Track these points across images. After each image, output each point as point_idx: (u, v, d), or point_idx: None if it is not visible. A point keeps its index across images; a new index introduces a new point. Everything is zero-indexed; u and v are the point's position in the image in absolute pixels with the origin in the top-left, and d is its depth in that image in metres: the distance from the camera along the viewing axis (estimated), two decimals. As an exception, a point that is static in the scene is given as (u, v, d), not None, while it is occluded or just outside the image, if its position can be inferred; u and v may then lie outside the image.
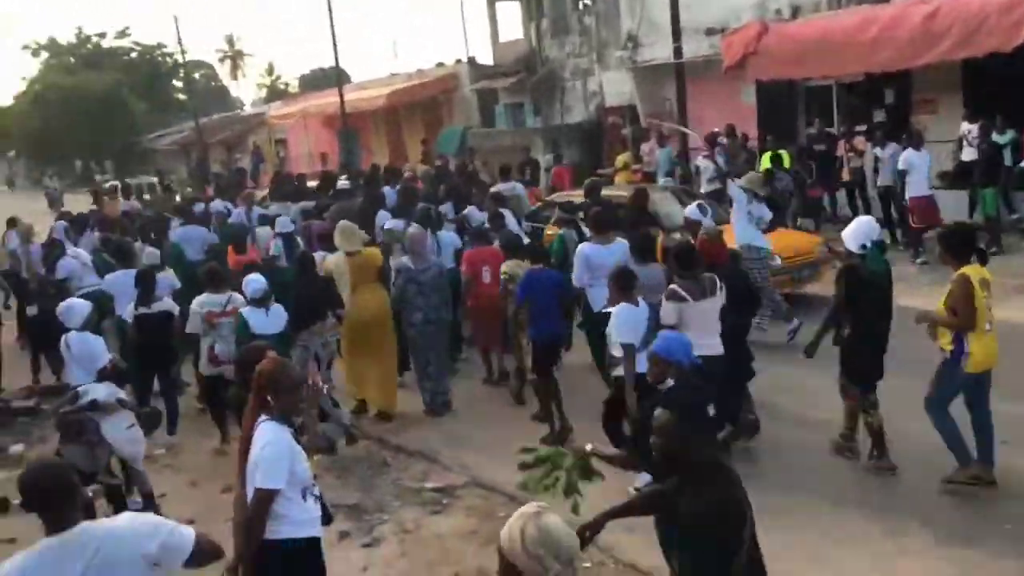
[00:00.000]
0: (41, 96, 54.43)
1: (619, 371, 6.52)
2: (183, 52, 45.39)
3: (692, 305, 6.46)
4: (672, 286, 6.63)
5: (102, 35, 65.97)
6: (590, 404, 7.25)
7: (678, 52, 17.31)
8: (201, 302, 8.28)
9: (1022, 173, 11.67)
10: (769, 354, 9.14)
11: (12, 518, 7.00)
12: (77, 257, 11.25)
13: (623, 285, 6.62)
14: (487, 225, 10.25)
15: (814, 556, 5.68)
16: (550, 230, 11.39)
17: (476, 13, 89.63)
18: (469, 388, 9.55)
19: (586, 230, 9.26)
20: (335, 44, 28.19)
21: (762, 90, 17.61)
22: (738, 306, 6.95)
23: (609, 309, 6.78)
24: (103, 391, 6.66)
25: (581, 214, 10.24)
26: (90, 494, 3.33)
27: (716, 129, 16.76)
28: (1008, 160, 13.13)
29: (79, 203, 25.35)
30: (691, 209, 9.41)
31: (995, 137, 13.21)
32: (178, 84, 64.77)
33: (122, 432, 6.61)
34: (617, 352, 6.54)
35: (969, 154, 13.80)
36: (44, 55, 65.20)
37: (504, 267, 8.73)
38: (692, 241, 7.84)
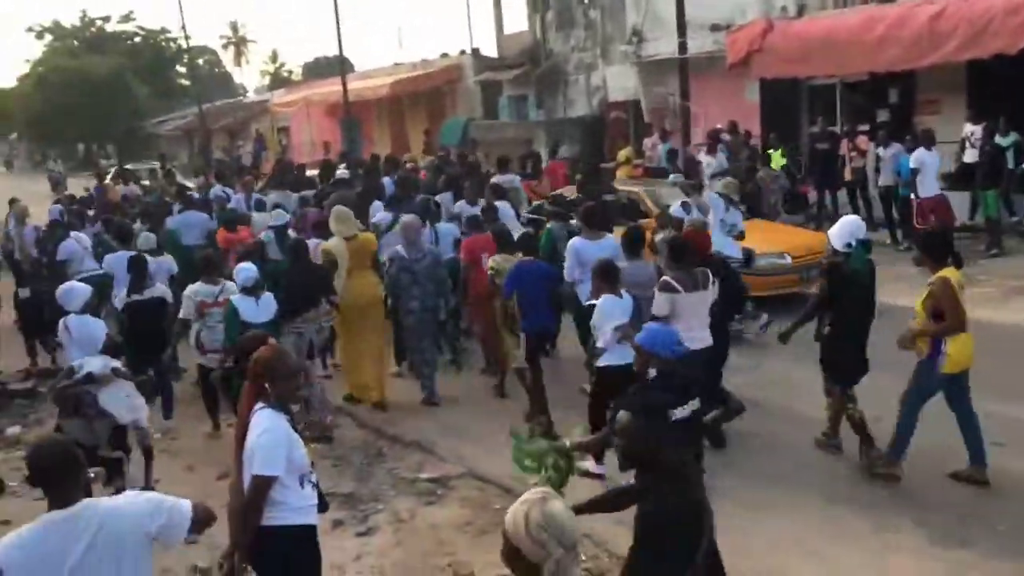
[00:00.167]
0: (44, 79, 54.28)
1: (602, 361, 6.67)
2: (187, 37, 45.39)
3: (684, 296, 6.57)
4: (665, 277, 6.74)
5: (106, 19, 65.87)
6: (578, 396, 7.28)
7: (683, 48, 17.31)
8: (195, 291, 8.30)
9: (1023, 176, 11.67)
10: (755, 349, 9.19)
11: (6, 499, 7.04)
12: (79, 241, 11.25)
13: (607, 278, 6.75)
14: (479, 216, 10.29)
15: (807, 551, 5.70)
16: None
17: (481, 4, 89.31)
18: (467, 378, 9.56)
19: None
20: (339, 32, 27.98)
21: (766, 87, 17.58)
22: (724, 297, 7.10)
23: (592, 302, 6.92)
24: (98, 363, 6.65)
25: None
26: (92, 475, 3.41)
27: (719, 125, 16.77)
28: (1011, 162, 13.11)
29: (81, 186, 25.36)
30: (675, 207, 9.59)
31: (998, 139, 13.20)
32: (181, 70, 64.58)
33: (121, 401, 6.59)
34: (601, 343, 6.68)
35: (971, 156, 13.79)
36: (48, 38, 65.04)
37: (491, 261, 8.72)
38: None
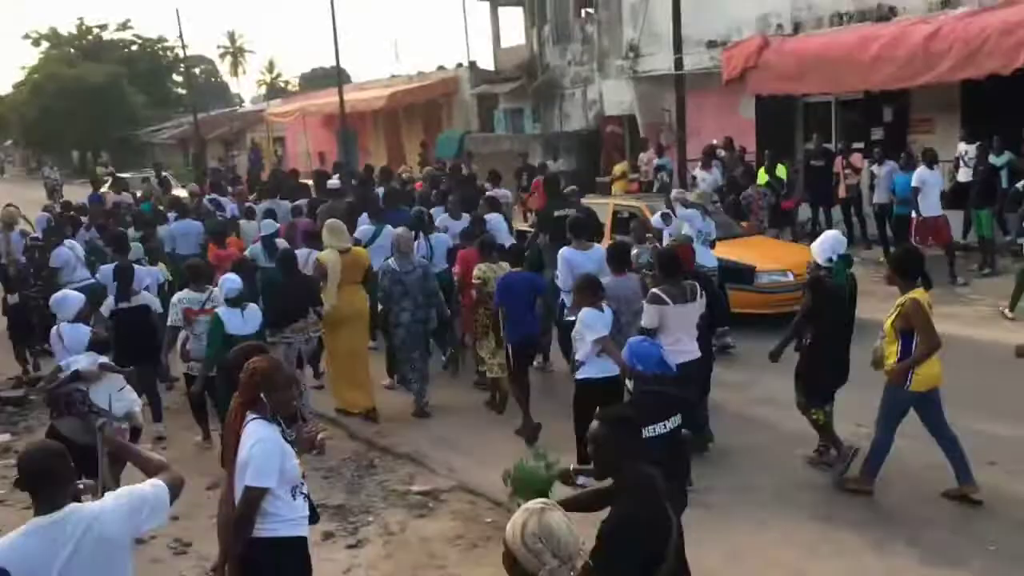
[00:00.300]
0: (40, 86, 54.25)
1: (581, 374, 6.78)
2: (184, 47, 45.29)
3: (672, 308, 6.65)
4: (653, 289, 6.81)
5: (103, 27, 66.01)
6: (563, 407, 7.33)
7: (679, 63, 17.35)
8: (180, 298, 8.32)
9: (1016, 195, 11.69)
10: (748, 367, 9.18)
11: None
12: (72, 249, 11.19)
13: (589, 291, 6.84)
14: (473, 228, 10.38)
15: (799, 571, 5.68)
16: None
17: (478, 18, 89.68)
18: (459, 391, 9.53)
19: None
20: (336, 43, 28.18)
21: (761, 104, 17.65)
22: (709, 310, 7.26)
23: (571, 318, 7.07)
24: (84, 360, 6.59)
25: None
26: (81, 487, 3.43)
27: (714, 141, 16.81)
28: (1004, 182, 13.16)
29: (75, 193, 25.31)
30: (655, 219, 9.92)
31: (992, 158, 13.26)
32: (178, 78, 64.67)
33: (114, 395, 6.53)
34: (580, 356, 6.78)
35: (965, 175, 13.86)
36: (45, 45, 65.05)
37: (476, 270, 8.82)
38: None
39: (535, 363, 9.23)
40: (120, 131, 51.83)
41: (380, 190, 13.78)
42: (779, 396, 8.14)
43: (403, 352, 8.97)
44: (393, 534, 6.48)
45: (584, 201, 12.06)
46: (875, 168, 14.29)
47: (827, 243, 6.94)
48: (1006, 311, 10.82)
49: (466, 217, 11.33)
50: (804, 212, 16.13)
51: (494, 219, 11.40)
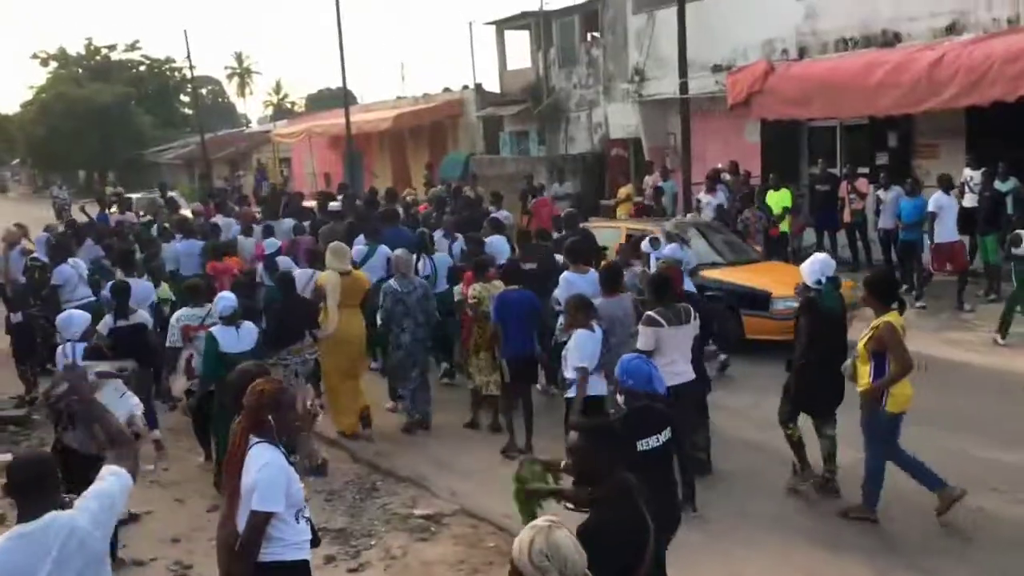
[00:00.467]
0: (48, 105, 54.53)
1: (571, 392, 6.92)
2: (192, 67, 45.59)
3: (667, 331, 6.71)
4: (649, 312, 6.88)
5: (112, 47, 66.25)
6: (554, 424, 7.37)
7: (684, 87, 17.42)
8: (179, 316, 8.36)
9: (1021, 221, 11.68)
10: (753, 390, 9.14)
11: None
12: (76, 267, 11.21)
13: (582, 311, 7.01)
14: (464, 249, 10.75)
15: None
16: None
17: (484, 41, 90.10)
18: (461, 413, 9.49)
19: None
20: (343, 65, 28.16)
21: (766, 128, 17.68)
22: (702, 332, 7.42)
23: (563, 339, 7.27)
24: None
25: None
26: (67, 499, 3.47)
27: (719, 165, 16.82)
28: (1010, 208, 13.15)
29: (86, 213, 25.32)
30: (644, 243, 10.12)
31: (997, 184, 13.24)
32: (185, 99, 65.01)
33: (116, 401, 6.50)
34: (569, 374, 6.93)
35: (971, 200, 13.82)
36: (53, 65, 65.45)
37: (471, 289, 9.01)
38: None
39: (538, 386, 9.21)
40: (127, 151, 52.03)
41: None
42: (774, 419, 8.11)
43: (401, 370, 9.05)
44: (395, 558, 6.43)
45: (597, 224, 12.12)
46: (881, 193, 14.29)
47: (816, 265, 7.04)
48: (998, 338, 10.81)
49: (460, 237, 11.52)
50: (809, 237, 16.15)
51: (497, 241, 11.45)
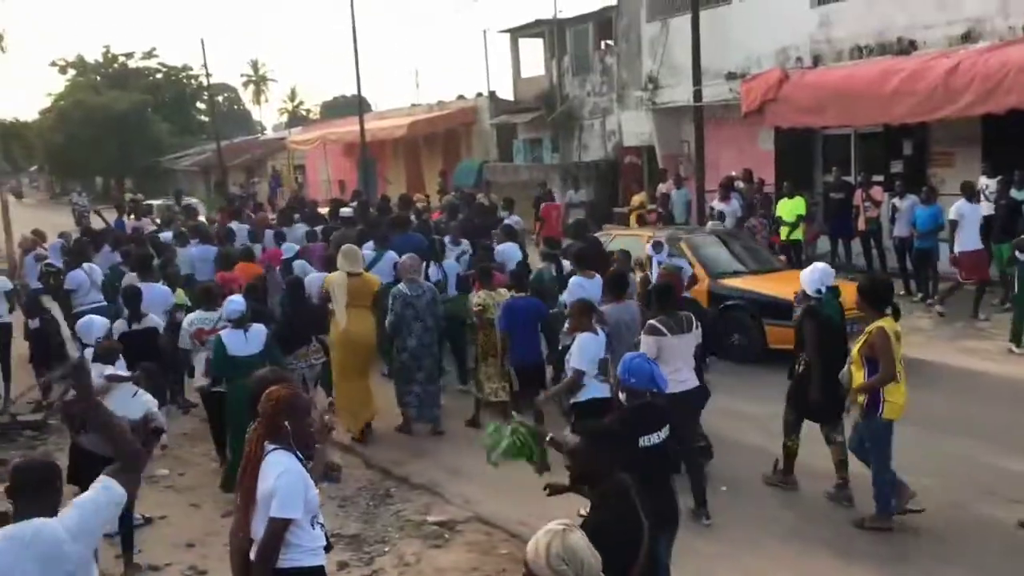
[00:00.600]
0: (66, 112, 54.97)
1: (575, 397, 6.95)
2: (208, 75, 45.88)
3: (669, 339, 6.76)
4: (651, 321, 6.92)
5: (129, 55, 66.75)
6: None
7: (698, 95, 17.42)
8: (191, 319, 8.45)
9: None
10: (771, 400, 9.10)
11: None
12: (90, 273, 11.29)
13: (587, 315, 7.10)
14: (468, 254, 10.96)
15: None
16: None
17: (499, 49, 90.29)
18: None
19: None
20: (358, 73, 28.32)
21: (780, 136, 17.65)
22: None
23: (566, 342, 7.38)
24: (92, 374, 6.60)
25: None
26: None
27: (733, 173, 16.81)
28: (1026, 216, 13.07)
29: (105, 218, 25.49)
30: (648, 247, 10.18)
31: (1013, 193, 13.17)
32: (201, 106, 65.40)
33: (129, 402, 6.54)
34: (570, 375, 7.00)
35: (986, 209, 13.75)
36: (71, 72, 65.98)
37: (475, 297, 9.16)
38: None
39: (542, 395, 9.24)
40: (144, 158, 52.37)
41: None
42: (812, 435, 8.09)
43: (407, 374, 9.11)
44: (408, 565, 6.44)
45: (616, 232, 12.13)
46: (896, 201, 14.23)
47: (816, 274, 7.10)
48: (1013, 347, 10.76)
49: (465, 243, 11.62)
50: (823, 245, 16.11)
51: (508, 248, 11.49)
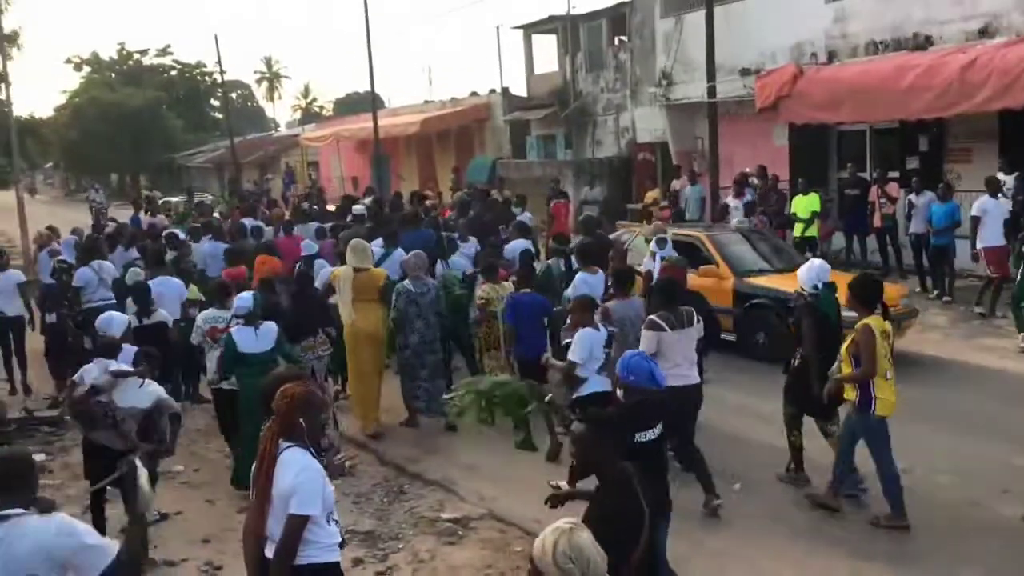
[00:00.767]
0: (81, 109, 55.24)
1: (581, 391, 7.10)
2: (222, 72, 46.01)
3: (669, 334, 6.78)
4: (651, 316, 6.97)
5: (144, 52, 67.00)
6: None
7: (712, 91, 17.35)
8: (205, 317, 8.51)
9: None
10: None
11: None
12: (99, 270, 11.33)
13: (588, 311, 7.30)
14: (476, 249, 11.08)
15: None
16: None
17: (512, 45, 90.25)
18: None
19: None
20: (371, 69, 28.32)
21: (795, 132, 17.56)
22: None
23: (567, 338, 7.51)
24: (94, 371, 6.61)
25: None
26: (52, 501, 3.54)
27: (747, 169, 16.74)
28: (1043, 212, 12.96)
29: (117, 215, 25.66)
30: (651, 243, 10.43)
31: (1031, 188, 13.07)
32: (215, 103, 65.61)
33: (136, 393, 6.56)
34: (576, 372, 7.12)
35: (1004, 205, 13.65)
36: (86, 69, 66.29)
37: (479, 291, 9.32)
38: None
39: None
40: (159, 155, 52.60)
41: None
42: (813, 428, 8.05)
43: (410, 370, 9.16)
44: (423, 561, 6.45)
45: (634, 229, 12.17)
46: (913, 197, 14.14)
47: (813, 271, 7.17)
48: (1020, 343, 10.69)
49: (472, 240, 11.66)
50: (839, 241, 16.03)
51: (519, 245, 11.49)
